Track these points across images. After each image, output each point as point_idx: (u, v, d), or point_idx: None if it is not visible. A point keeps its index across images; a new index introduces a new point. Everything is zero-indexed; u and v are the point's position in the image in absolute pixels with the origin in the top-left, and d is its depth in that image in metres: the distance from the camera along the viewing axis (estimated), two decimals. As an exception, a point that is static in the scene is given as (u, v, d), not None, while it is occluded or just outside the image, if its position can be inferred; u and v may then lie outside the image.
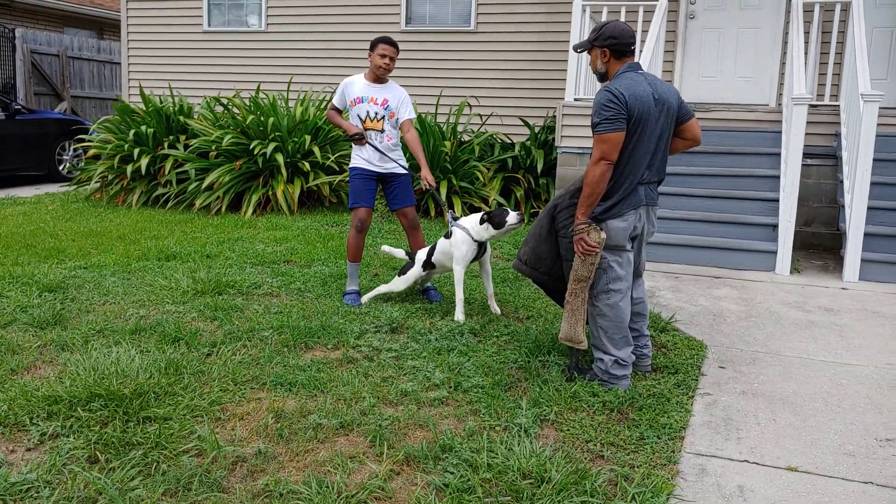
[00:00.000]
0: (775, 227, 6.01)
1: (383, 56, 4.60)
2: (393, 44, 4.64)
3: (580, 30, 7.16)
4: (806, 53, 7.03)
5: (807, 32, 7.40)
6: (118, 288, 4.82)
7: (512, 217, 4.24)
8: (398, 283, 4.67)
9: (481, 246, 4.40)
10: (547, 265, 3.65)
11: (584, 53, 6.66)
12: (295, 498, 2.42)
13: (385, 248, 4.89)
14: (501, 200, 7.76)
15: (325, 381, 3.36)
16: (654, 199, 3.46)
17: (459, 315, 4.36)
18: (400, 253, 4.81)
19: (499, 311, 4.55)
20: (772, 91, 8.13)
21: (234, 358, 3.62)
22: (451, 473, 2.58)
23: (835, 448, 2.90)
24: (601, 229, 3.30)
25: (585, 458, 2.74)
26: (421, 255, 4.64)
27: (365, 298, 4.71)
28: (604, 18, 7.13)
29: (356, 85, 4.73)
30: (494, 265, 5.75)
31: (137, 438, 2.75)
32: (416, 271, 4.62)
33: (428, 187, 4.60)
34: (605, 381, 3.38)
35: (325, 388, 3.29)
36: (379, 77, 4.70)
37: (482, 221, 4.33)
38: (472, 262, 4.45)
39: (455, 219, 4.49)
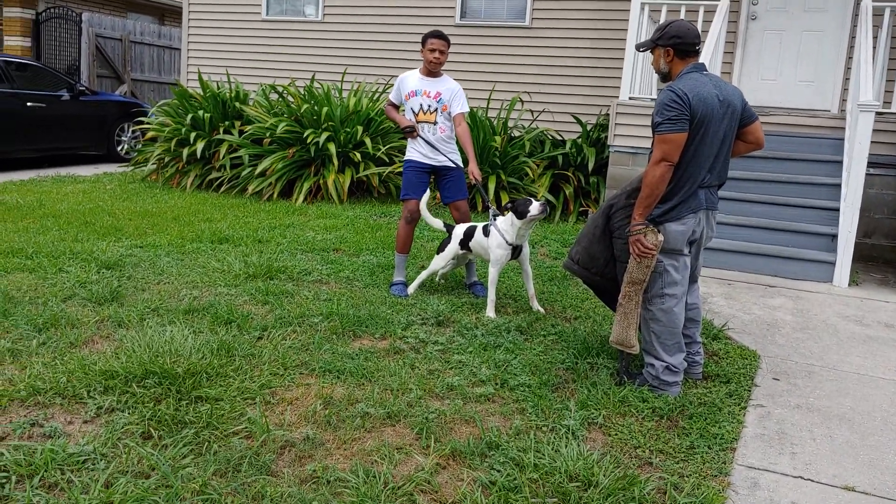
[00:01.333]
0: (834, 237, 5.84)
1: (433, 50, 4.64)
2: (442, 37, 4.65)
3: (637, 28, 7.05)
4: (873, 59, 6.79)
5: (874, 37, 7.14)
6: (172, 268, 4.92)
7: (535, 207, 4.22)
8: (437, 262, 4.71)
9: (516, 248, 4.39)
10: (600, 266, 3.61)
11: (644, 53, 6.55)
12: (342, 486, 2.44)
13: (423, 205, 4.74)
14: (550, 197, 7.70)
15: (372, 371, 3.38)
16: (714, 203, 3.38)
17: (490, 312, 4.37)
18: (438, 223, 4.79)
19: (542, 310, 4.51)
20: (834, 97, 7.88)
21: (284, 342, 3.67)
22: (498, 471, 2.56)
23: (894, 469, 2.80)
24: (658, 231, 3.24)
25: (634, 465, 2.70)
26: (458, 231, 4.65)
27: (411, 289, 4.73)
28: (663, 17, 6.99)
29: (410, 79, 4.78)
30: (542, 263, 5.71)
31: (190, 417, 2.80)
32: (453, 247, 4.64)
33: (474, 181, 4.60)
34: (656, 387, 3.32)
35: (373, 378, 3.31)
36: (432, 71, 4.72)
37: (506, 209, 4.33)
38: (508, 261, 4.45)
39: (496, 216, 4.48)
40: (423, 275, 4.77)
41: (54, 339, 3.52)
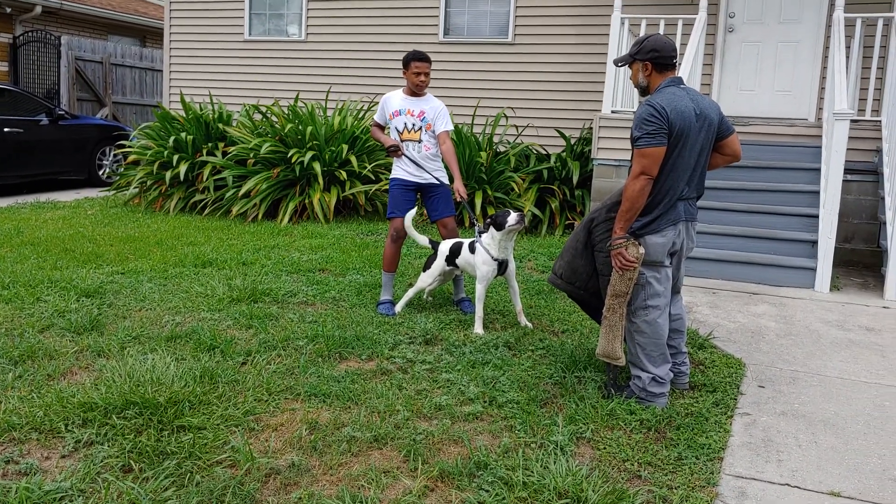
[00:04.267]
0: (814, 243, 5.88)
1: (418, 74, 4.66)
2: (424, 59, 4.67)
3: (618, 42, 7.11)
4: (847, 68, 6.88)
5: (847, 47, 7.24)
6: (154, 294, 4.87)
7: (512, 218, 4.25)
8: (424, 279, 4.70)
9: (502, 264, 4.39)
10: (583, 279, 3.61)
11: (624, 67, 6.61)
12: (328, 511, 2.41)
13: (409, 221, 4.70)
14: (536, 211, 7.72)
15: (359, 393, 3.35)
16: (693, 215, 3.40)
17: (478, 329, 4.36)
18: (423, 240, 4.79)
19: (530, 325, 4.51)
20: (811, 105, 7.98)
21: (268, 367, 3.63)
22: (486, 491, 2.54)
23: (879, 473, 2.81)
24: (639, 244, 3.25)
25: (623, 478, 2.69)
26: (444, 247, 4.65)
27: (398, 307, 4.71)
28: (642, 31, 7.07)
29: (394, 99, 4.80)
30: (529, 276, 5.71)
31: (171, 448, 2.76)
32: (439, 264, 4.64)
33: (460, 198, 4.61)
34: (643, 399, 3.32)
35: (359, 400, 3.28)
36: (415, 91, 4.74)
37: (487, 227, 4.36)
38: (495, 277, 4.45)
39: (481, 233, 4.49)
40: (410, 293, 4.76)
41: (31, 372, 3.46)
